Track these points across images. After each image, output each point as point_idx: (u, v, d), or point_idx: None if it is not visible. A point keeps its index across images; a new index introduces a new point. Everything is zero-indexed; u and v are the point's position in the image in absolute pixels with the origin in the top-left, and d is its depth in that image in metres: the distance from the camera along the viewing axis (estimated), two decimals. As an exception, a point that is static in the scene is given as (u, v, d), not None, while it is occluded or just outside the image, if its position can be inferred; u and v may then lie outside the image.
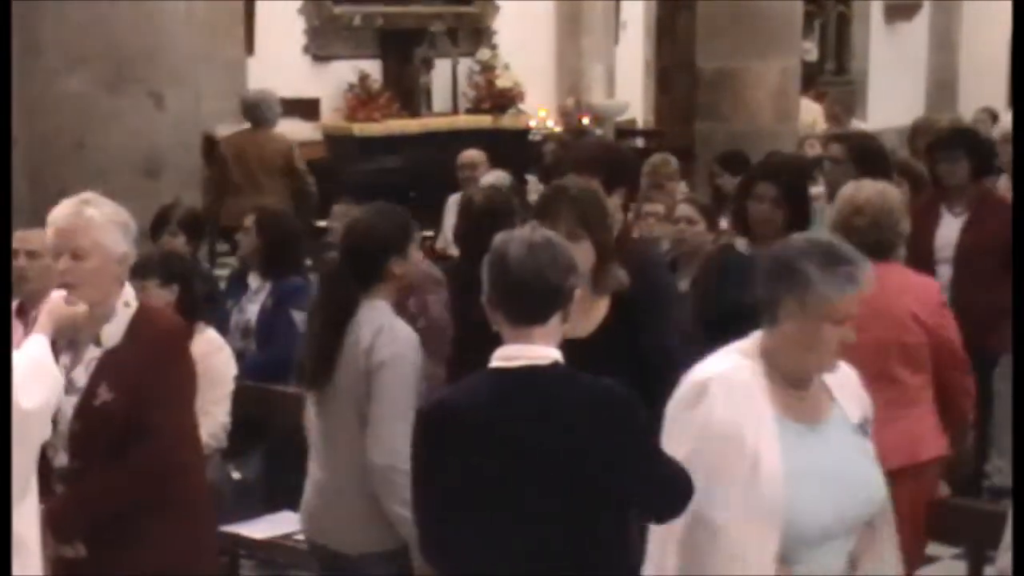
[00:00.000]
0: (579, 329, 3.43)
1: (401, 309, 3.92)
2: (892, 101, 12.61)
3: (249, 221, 5.95)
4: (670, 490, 2.98)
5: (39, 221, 3.85)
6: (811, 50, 14.96)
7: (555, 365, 2.93)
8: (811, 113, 11.50)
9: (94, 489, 3.55)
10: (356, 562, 3.79)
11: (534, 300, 2.92)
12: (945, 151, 6.07)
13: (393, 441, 3.58)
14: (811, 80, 12.83)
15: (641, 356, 3.62)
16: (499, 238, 3.00)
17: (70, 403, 3.54)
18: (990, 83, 15.69)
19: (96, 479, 3.54)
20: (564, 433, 2.87)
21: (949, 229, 6.03)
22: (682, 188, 8.03)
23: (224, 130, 10.91)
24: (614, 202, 4.04)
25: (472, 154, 8.29)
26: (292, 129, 11.34)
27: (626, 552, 3.02)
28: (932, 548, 5.70)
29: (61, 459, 3.57)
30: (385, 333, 3.72)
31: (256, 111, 9.23)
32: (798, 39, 9.99)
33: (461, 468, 2.91)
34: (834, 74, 16.22)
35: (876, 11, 16.75)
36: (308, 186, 8.94)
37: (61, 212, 3.57)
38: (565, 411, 2.89)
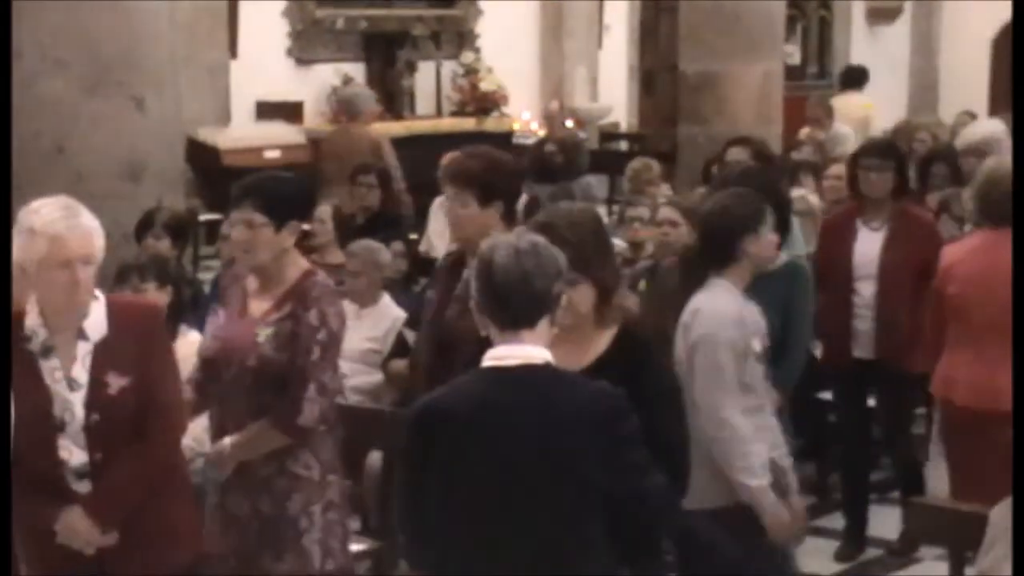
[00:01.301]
0: (577, 362, 3.29)
1: (299, 321, 3.91)
2: (874, 103, 12.65)
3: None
4: (652, 502, 2.99)
5: (18, 226, 3.82)
6: (793, 53, 14.99)
7: (547, 365, 2.96)
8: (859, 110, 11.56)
9: (127, 473, 3.57)
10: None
11: (520, 306, 2.94)
12: (876, 159, 5.72)
13: (714, 412, 3.96)
14: (862, 79, 12.84)
15: (642, 394, 3.21)
16: (485, 244, 3.03)
17: (78, 399, 3.54)
18: (971, 86, 15.74)
19: (125, 464, 3.56)
20: (557, 431, 2.89)
21: (868, 244, 5.68)
22: (664, 191, 8.04)
23: (206, 133, 10.89)
24: (491, 216, 4.06)
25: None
26: (276, 132, 11.34)
27: (616, 555, 3.02)
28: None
29: (78, 457, 3.56)
30: (701, 314, 4.06)
31: (350, 105, 9.54)
32: (780, 42, 9.99)
33: (453, 467, 2.92)
34: (816, 77, 16.25)
35: (858, 14, 16.79)
36: (393, 181, 8.44)
37: (59, 221, 3.49)
38: (558, 409, 2.91)
